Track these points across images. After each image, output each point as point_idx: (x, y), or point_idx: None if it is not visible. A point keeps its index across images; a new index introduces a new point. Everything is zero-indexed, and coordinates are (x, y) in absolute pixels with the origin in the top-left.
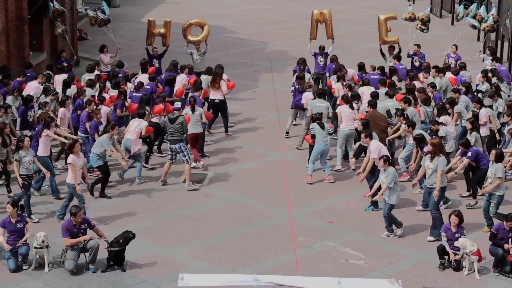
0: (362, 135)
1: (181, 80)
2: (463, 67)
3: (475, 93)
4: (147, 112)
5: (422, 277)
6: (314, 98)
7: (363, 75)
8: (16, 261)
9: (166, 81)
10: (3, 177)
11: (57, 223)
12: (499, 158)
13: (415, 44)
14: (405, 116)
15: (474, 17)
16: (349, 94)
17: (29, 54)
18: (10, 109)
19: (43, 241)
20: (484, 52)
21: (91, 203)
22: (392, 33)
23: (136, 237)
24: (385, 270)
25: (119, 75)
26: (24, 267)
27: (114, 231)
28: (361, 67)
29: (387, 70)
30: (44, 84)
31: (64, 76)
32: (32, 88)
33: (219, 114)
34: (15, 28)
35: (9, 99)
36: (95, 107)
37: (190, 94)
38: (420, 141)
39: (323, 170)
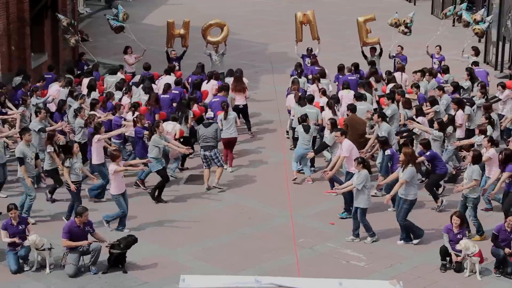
0: (337, 133)
1: (212, 86)
2: (446, 70)
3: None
4: (191, 116)
5: (423, 278)
6: (301, 103)
7: (340, 76)
8: (17, 262)
9: (194, 85)
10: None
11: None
12: (476, 160)
13: (398, 46)
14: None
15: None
16: (323, 98)
17: (31, 56)
18: (47, 113)
19: (44, 245)
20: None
21: (94, 205)
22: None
23: (137, 239)
24: (386, 271)
25: (142, 78)
26: (25, 269)
27: (115, 233)
28: (340, 68)
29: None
30: (69, 87)
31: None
32: (54, 91)
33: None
34: (16, 30)
35: (34, 100)
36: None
37: (221, 99)
38: (383, 143)
39: (303, 171)
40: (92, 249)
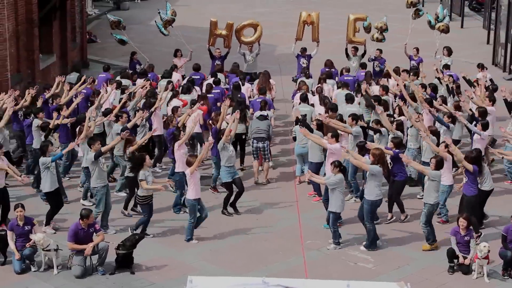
0: (329, 135)
1: (247, 89)
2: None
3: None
4: (248, 115)
5: (430, 280)
6: (299, 103)
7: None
8: (21, 263)
9: (234, 87)
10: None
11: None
12: (439, 166)
13: (377, 49)
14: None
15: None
16: (316, 96)
17: (39, 57)
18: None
19: (52, 247)
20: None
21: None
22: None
23: (144, 236)
24: (394, 273)
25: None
26: (33, 269)
27: (121, 234)
28: (347, 70)
29: (354, 72)
30: (121, 87)
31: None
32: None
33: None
34: (25, 31)
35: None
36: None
37: (262, 99)
38: (361, 149)
39: (302, 170)
40: (100, 249)
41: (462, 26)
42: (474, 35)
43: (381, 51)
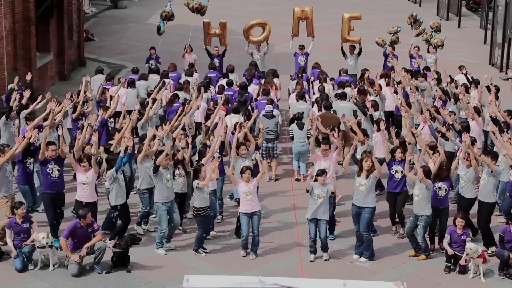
0: (326, 146)
1: (254, 89)
2: (424, 74)
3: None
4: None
5: (427, 279)
6: (297, 101)
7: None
8: (22, 261)
9: (240, 87)
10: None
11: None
12: (426, 176)
13: (390, 46)
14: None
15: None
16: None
17: (36, 55)
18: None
19: (46, 243)
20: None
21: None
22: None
23: (140, 239)
24: (391, 272)
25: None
26: (29, 267)
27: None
28: (344, 71)
29: (351, 71)
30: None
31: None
32: (122, 94)
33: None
34: (22, 29)
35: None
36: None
37: (263, 98)
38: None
39: (299, 167)
40: (97, 248)
41: (459, 26)
42: (471, 35)
43: (394, 48)
